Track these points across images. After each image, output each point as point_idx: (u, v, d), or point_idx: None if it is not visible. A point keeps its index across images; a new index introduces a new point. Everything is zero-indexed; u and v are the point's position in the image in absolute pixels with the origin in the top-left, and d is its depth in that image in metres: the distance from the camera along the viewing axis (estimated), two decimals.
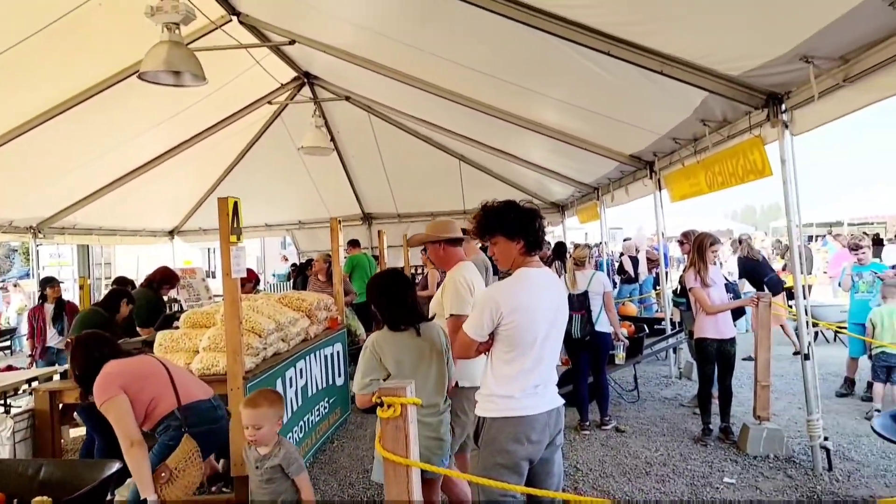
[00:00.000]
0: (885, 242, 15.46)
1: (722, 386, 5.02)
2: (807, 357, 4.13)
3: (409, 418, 2.05)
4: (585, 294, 5.36)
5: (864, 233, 17.52)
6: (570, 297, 5.38)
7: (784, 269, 9.71)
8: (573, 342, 5.38)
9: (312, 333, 4.87)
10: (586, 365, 5.50)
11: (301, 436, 4.49)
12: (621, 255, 11.28)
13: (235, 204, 3.69)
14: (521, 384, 2.57)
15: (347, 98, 8.59)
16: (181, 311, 7.47)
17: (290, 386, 4.38)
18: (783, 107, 4.25)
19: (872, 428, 2.89)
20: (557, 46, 4.57)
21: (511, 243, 2.66)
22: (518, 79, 5.81)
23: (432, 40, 5.59)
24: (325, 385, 5.01)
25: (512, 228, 2.66)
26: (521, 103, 6.51)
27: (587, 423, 5.36)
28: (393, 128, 9.59)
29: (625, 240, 12.51)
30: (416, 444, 2.11)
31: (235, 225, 3.69)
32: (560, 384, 6.18)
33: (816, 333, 8.66)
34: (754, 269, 8.06)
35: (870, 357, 5.61)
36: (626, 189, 7.68)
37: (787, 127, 4.25)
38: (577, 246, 5.91)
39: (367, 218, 12.37)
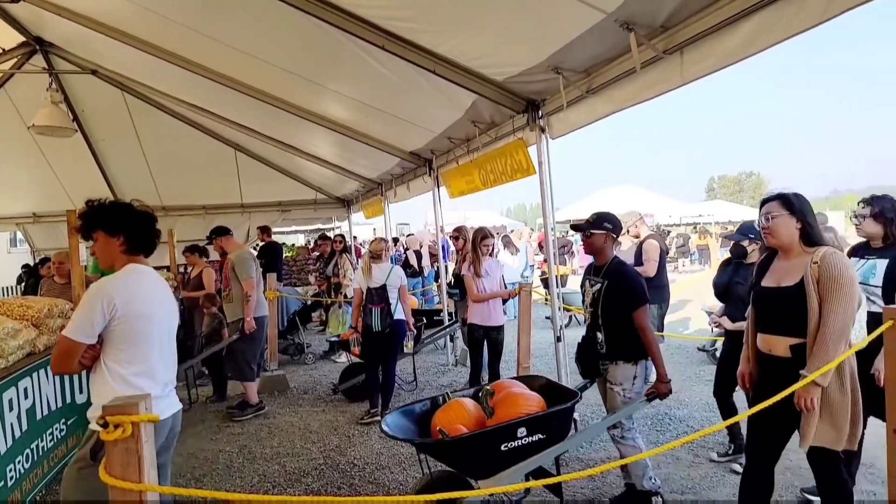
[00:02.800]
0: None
1: (491, 370, 5.40)
2: (559, 339, 4.60)
3: (142, 438, 1.75)
4: (384, 287, 5.37)
5: None
6: (370, 290, 5.34)
7: (545, 262, 10.87)
8: (373, 335, 5.34)
9: (42, 345, 4.07)
10: (378, 357, 5.52)
11: (28, 466, 3.74)
12: (405, 249, 11.59)
13: None
14: (149, 384, 2.44)
15: (94, 72, 7.44)
16: None
17: (11, 410, 3.62)
18: (540, 112, 4.67)
19: (381, 428, 3.21)
20: (338, 38, 4.47)
21: (112, 240, 2.61)
22: (303, 70, 5.58)
23: (207, 20, 5.09)
24: (61, 404, 4.24)
25: (112, 226, 2.61)
26: (307, 96, 6.28)
27: (375, 411, 5.36)
28: (155, 110, 8.54)
29: (408, 235, 12.89)
30: (154, 467, 1.81)
31: None
32: (342, 379, 6.15)
33: (570, 317, 9.87)
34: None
35: None
36: (407, 185, 7.87)
37: (544, 131, 4.67)
38: (373, 239, 5.88)
39: None
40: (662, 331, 6.44)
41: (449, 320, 7.40)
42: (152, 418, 1.79)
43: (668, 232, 28.64)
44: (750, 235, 4.05)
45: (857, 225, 3.53)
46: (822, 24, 2.46)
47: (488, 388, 3.46)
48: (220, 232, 6.09)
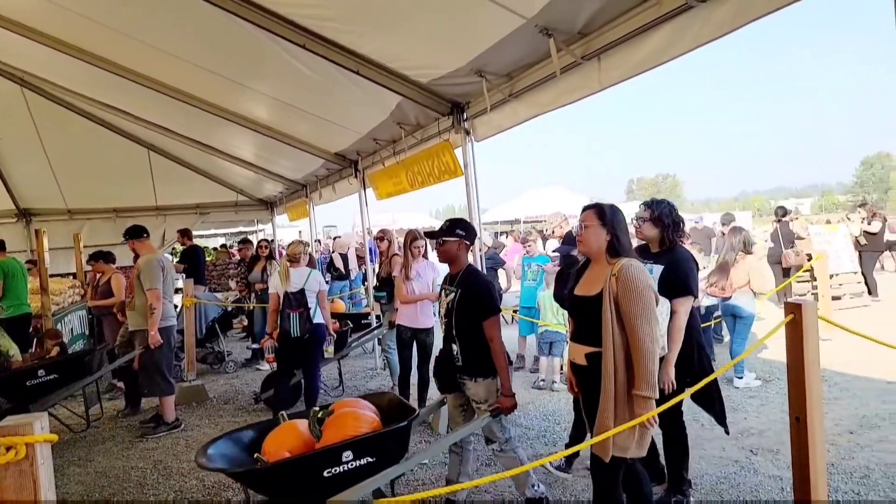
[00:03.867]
0: (547, 237, 18.62)
1: (419, 373, 5.37)
2: None
3: (37, 460, 1.60)
4: (303, 292, 5.21)
5: (534, 228, 20.93)
6: (287, 295, 5.16)
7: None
8: (291, 341, 5.17)
9: None
10: (294, 364, 5.37)
11: None
12: (332, 251, 11.38)
13: None
14: None
15: None
16: None
17: None
18: (465, 115, 4.70)
19: (196, 460, 2.95)
20: (259, 37, 4.34)
21: None
22: (222, 68, 5.40)
23: (117, 15, 4.83)
24: None
25: None
26: (227, 95, 6.06)
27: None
28: (59, 108, 7.98)
29: (335, 237, 12.68)
30: (52, 489, 1.67)
31: None
32: (264, 388, 5.93)
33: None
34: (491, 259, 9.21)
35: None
36: (333, 187, 7.73)
37: (469, 133, 4.70)
38: (291, 242, 5.69)
39: (25, 214, 10.00)
40: None
41: (376, 324, 7.32)
42: (49, 438, 1.65)
43: None
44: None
45: (637, 227, 3.61)
46: (729, 33, 2.61)
47: (328, 408, 3.20)
48: (134, 233, 5.64)
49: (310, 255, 5.61)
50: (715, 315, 6.68)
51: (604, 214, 2.76)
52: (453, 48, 3.93)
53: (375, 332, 6.75)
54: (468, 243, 3.47)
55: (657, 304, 2.62)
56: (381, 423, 3.12)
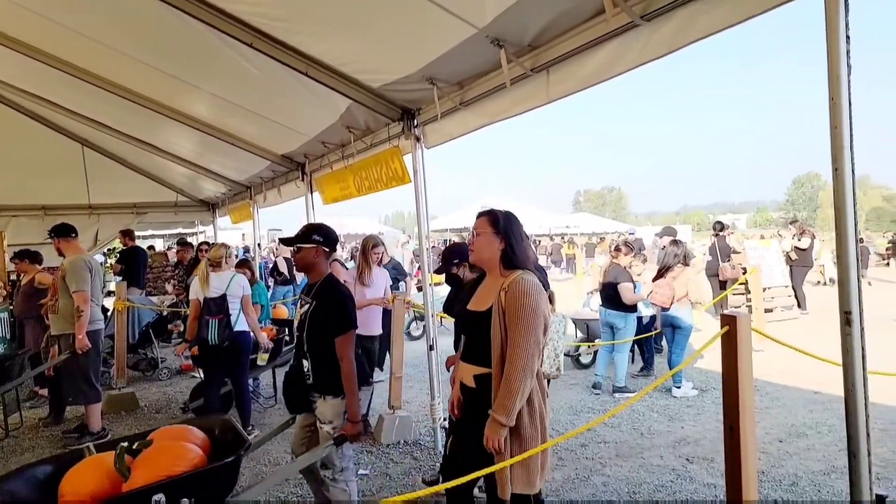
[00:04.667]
0: None
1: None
2: (431, 348, 4.60)
3: None
4: (224, 297, 4.99)
5: None
6: (207, 301, 4.95)
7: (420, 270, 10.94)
8: (209, 349, 4.95)
9: None
10: (220, 373, 5.15)
11: None
12: (275, 255, 11.11)
13: None
14: None
15: None
16: None
17: None
18: (415, 122, 4.66)
19: None
20: (203, 33, 4.19)
21: None
22: (164, 64, 5.18)
23: (52, 3, 4.56)
24: None
25: None
26: (169, 91, 5.83)
27: None
28: None
29: (280, 240, 12.39)
30: None
31: None
32: (193, 397, 5.69)
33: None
34: (395, 269, 8.90)
35: None
36: (279, 190, 7.54)
37: (419, 140, 4.67)
38: (211, 245, 5.44)
39: None
40: None
41: None
42: None
43: (539, 242, 30.16)
44: (454, 261, 3.83)
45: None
46: (669, 54, 2.68)
47: (146, 438, 2.68)
48: (61, 231, 5.29)
49: (247, 259, 5.42)
50: (655, 325, 6.86)
51: (497, 221, 2.60)
52: (405, 54, 3.90)
53: None
54: (327, 250, 3.21)
55: (547, 324, 2.45)
56: (212, 451, 2.71)
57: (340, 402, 3.02)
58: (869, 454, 2.09)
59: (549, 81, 3.36)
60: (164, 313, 8.31)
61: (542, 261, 24.06)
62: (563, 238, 30.58)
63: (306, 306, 3.15)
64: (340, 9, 3.65)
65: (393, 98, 4.60)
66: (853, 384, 2.07)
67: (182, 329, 9.11)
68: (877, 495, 2.15)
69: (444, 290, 14.03)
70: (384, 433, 4.82)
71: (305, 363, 3.11)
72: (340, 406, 3.02)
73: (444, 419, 4.67)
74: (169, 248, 15.18)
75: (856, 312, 2.04)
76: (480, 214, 2.69)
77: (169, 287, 9.88)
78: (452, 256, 3.86)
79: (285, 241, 3.41)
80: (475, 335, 2.55)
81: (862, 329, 2.05)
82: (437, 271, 4.07)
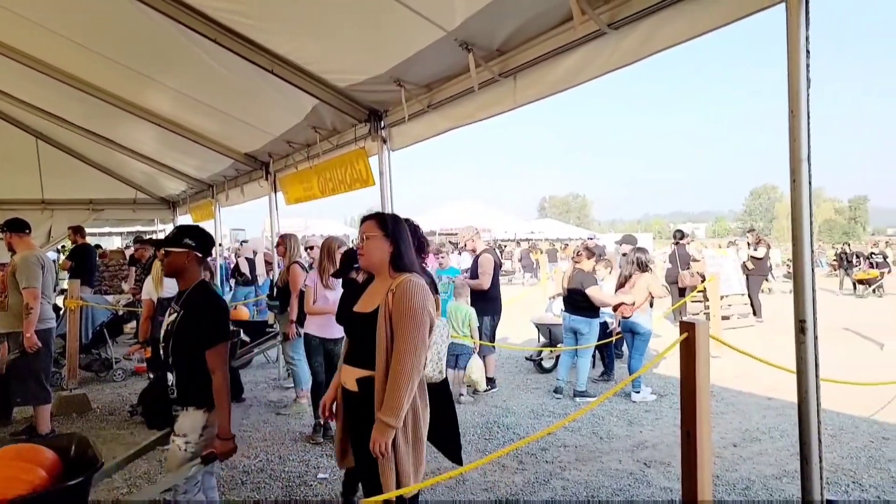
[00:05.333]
0: (459, 251, 18.83)
1: (324, 384, 5.19)
2: None
3: None
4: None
5: (450, 241, 21.13)
6: (161, 301, 4.81)
7: None
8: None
9: None
10: None
11: None
12: (237, 255, 10.89)
13: None
14: None
15: None
16: None
17: None
18: (382, 123, 4.64)
19: None
20: (166, 27, 4.09)
21: None
22: (125, 58, 5.04)
23: None
24: None
25: None
26: (129, 86, 5.67)
27: None
28: None
29: (242, 241, 12.16)
30: None
31: None
32: (141, 400, 5.50)
33: None
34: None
35: None
36: (241, 189, 7.41)
37: (385, 142, 4.64)
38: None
39: None
40: (494, 341, 6.72)
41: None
42: None
43: (504, 246, 30.36)
44: (355, 265, 3.75)
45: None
46: (637, 62, 2.72)
47: None
48: (15, 226, 5.06)
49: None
50: (616, 331, 6.96)
51: (386, 225, 2.56)
52: (373, 55, 3.88)
53: (271, 342, 6.47)
54: (199, 255, 2.95)
55: (433, 326, 2.45)
56: (63, 473, 2.44)
57: (202, 415, 2.76)
58: (821, 460, 2.14)
59: (517, 87, 3.38)
60: (120, 312, 8.05)
61: (507, 265, 24.20)
62: (528, 243, 30.87)
63: (174, 315, 2.87)
64: (307, 7, 3.61)
65: (360, 99, 4.56)
66: (807, 391, 2.12)
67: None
68: (827, 500, 2.21)
69: None
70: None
71: (170, 376, 2.82)
72: (201, 419, 2.76)
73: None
74: (127, 247, 14.73)
75: (810, 321, 2.09)
76: (368, 218, 2.62)
77: (125, 286, 9.59)
78: (352, 261, 3.79)
79: (154, 243, 3.24)
80: (360, 337, 2.49)
81: (815, 338, 2.10)
82: (335, 275, 4.01)
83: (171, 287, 4.87)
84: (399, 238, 2.55)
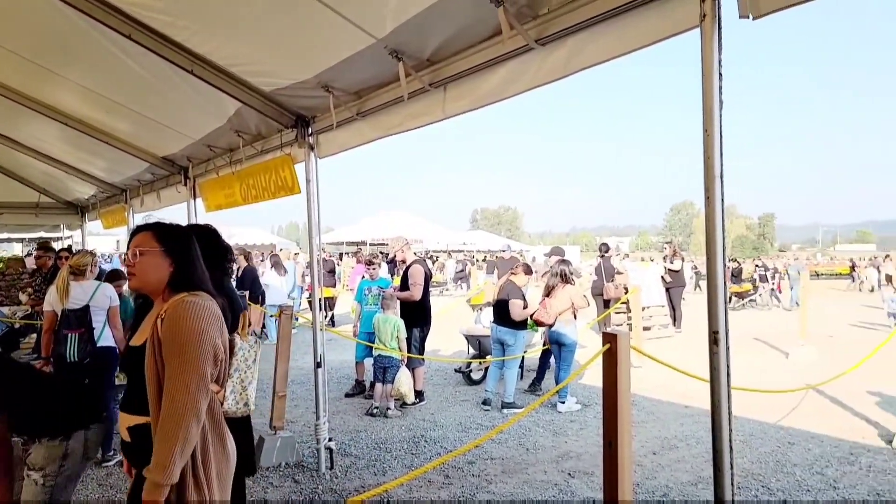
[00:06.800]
0: (390, 261, 18.71)
1: None
2: (319, 365, 4.42)
3: None
4: (87, 309, 4.51)
5: (381, 252, 20.97)
6: (66, 313, 4.45)
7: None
8: (69, 367, 4.44)
9: None
10: None
11: None
12: None
13: None
14: None
15: None
16: None
17: None
18: (310, 129, 4.51)
19: None
20: (75, 20, 3.80)
21: None
22: (27, 51, 4.65)
23: None
24: None
25: None
26: (32, 81, 5.26)
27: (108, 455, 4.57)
28: None
29: None
30: None
31: None
32: None
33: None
34: (253, 281, 9.48)
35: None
36: (158, 194, 7.02)
37: (312, 149, 4.51)
38: (76, 252, 4.88)
39: None
40: (423, 353, 6.66)
41: None
42: None
43: (437, 258, 30.44)
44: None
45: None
46: (564, 78, 2.76)
47: None
48: None
49: (120, 271, 4.94)
50: (543, 342, 7.06)
51: (166, 236, 2.12)
52: (300, 59, 3.76)
53: None
54: None
55: (219, 354, 2.00)
56: None
57: (58, 445, 2.50)
58: (732, 466, 2.21)
59: (447, 98, 3.37)
60: (16, 325, 7.40)
61: (438, 276, 24.21)
62: (463, 254, 31.08)
63: None
64: (229, 7, 3.45)
65: (286, 103, 4.42)
66: (719, 400, 2.18)
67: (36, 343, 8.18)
68: None
69: (339, 305, 13.66)
70: (264, 456, 4.54)
71: None
72: (57, 450, 2.50)
73: (329, 439, 4.50)
74: (28, 255, 13.67)
75: (722, 332, 2.16)
76: (142, 229, 2.18)
77: (24, 297, 8.83)
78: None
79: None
80: (133, 376, 2.05)
81: (727, 348, 2.17)
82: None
83: (79, 298, 4.52)
84: (183, 252, 2.11)
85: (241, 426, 2.67)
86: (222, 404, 2.04)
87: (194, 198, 6.31)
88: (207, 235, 2.75)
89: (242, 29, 3.65)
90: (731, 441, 2.19)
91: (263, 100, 4.39)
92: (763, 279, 18.69)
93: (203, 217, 6.23)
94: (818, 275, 33.28)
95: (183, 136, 5.55)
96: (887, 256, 26.08)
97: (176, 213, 7.59)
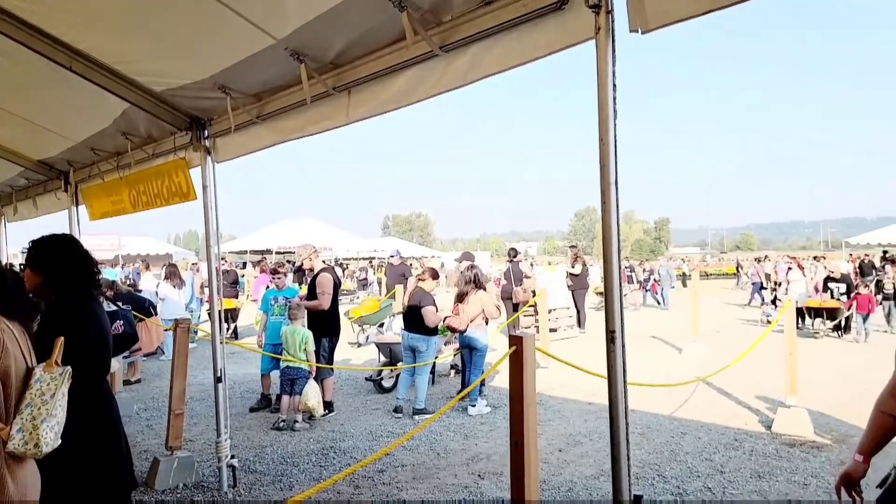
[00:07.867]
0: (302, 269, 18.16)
1: None
2: (219, 379, 4.19)
3: None
4: None
5: (288, 261, 20.33)
6: None
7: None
8: None
9: None
10: None
11: None
12: None
13: None
14: None
15: None
16: None
17: None
18: (206, 132, 4.29)
19: None
20: None
21: None
22: None
23: None
24: None
25: None
26: None
27: None
28: None
29: None
30: None
31: None
32: None
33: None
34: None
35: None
36: (34, 201, 6.42)
37: (209, 153, 4.29)
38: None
39: None
40: (332, 363, 6.51)
41: None
42: None
43: (347, 265, 29.99)
44: None
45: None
46: (465, 86, 2.79)
47: None
48: None
49: None
50: (455, 347, 7.12)
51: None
52: (193, 58, 3.57)
53: None
54: None
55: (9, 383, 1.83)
56: None
57: None
58: (628, 458, 2.31)
59: (350, 102, 3.31)
60: None
61: (348, 283, 23.88)
62: (370, 262, 30.80)
63: None
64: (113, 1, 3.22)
65: (179, 105, 4.18)
66: (616, 395, 2.28)
67: None
68: (634, 495, 2.39)
69: (242, 317, 13.11)
70: (159, 478, 4.25)
71: None
72: None
73: (232, 456, 4.28)
74: None
75: (618, 331, 2.26)
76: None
77: None
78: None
79: None
80: None
81: (623, 346, 2.27)
82: None
83: None
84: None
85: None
86: (6, 444, 1.80)
87: (76, 205, 5.82)
88: (63, 245, 2.47)
89: (127, 24, 3.40)
90: (627, 433, 2.29)
91: (154, 100, 4.12)
92: (629, 280, 19.80)
93: (87, 226, 5.78)
94: (708, 275, 35.97)
95: (62, 139, 5.10)
96: (766, 257, 28.60)
97: (55, 222, 6.96)
